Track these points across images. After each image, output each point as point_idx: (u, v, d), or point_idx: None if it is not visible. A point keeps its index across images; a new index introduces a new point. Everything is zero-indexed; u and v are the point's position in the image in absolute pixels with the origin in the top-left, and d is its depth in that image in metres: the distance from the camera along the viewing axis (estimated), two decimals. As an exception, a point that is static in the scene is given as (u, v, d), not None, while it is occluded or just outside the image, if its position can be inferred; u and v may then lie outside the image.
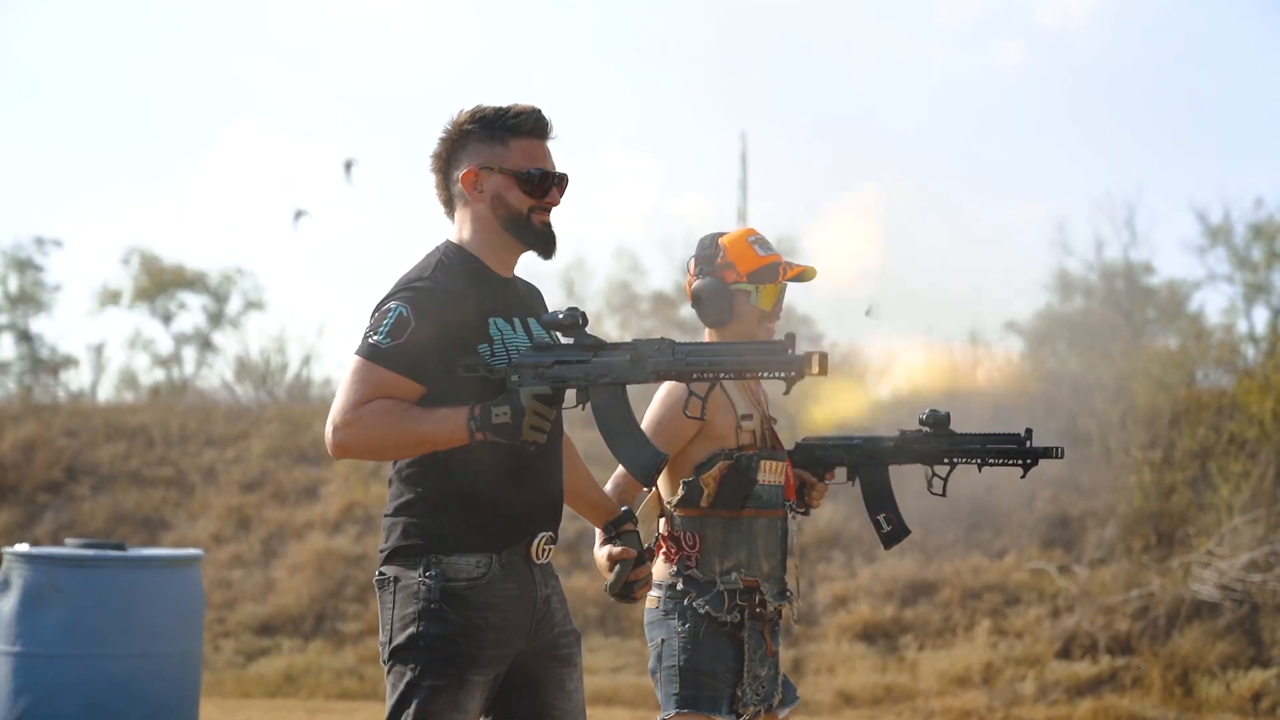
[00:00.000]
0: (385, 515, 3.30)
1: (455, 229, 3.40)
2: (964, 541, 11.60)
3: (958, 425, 4.39)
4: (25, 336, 25.90)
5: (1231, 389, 12.09)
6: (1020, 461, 4.24)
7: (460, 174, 3.35)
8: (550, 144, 3.40)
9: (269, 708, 10.39)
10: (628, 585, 3.48)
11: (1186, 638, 9.94)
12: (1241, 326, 24.83)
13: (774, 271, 4.14)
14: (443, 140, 3.37)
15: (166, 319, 27.70)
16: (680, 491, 4.06)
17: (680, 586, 4.03)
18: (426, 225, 34.43)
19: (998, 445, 4.26)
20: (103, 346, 19.12)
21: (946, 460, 4.30)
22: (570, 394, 3.24)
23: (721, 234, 4.20)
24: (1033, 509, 11.66)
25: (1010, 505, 11.70)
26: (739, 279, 4.13)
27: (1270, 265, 27.04)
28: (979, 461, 4.28)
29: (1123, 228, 27.76)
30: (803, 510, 4.30)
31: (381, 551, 3.28)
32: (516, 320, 3.34)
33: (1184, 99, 33.96)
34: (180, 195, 34.32)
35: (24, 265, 26.54)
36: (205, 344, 27.74)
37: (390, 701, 3.20)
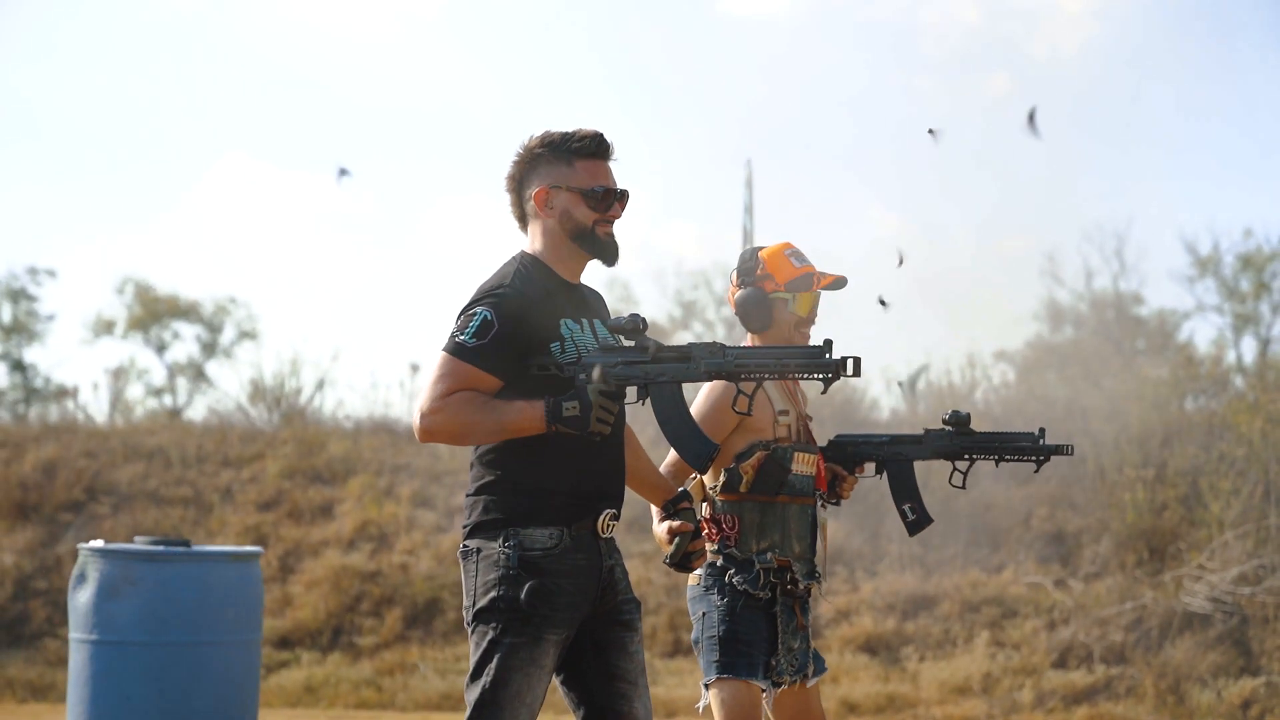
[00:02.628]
0: (467, 495, 3.69)
1: (529, 241, 3.80)
2: (963, 557, 11.96)
3: None
4: (19, 366, 26.08)
5: (1221, 409, 12.49)
6: (1034, 458, 4.61)
7: (532, 193, 3.75)
8: (611, 164, 3.80)
9: (291, 716, 10.72)
10: (687, 556, 3.87)
11: (1178, 648, 10.28)
12: (1230, 357, 25.18)
13: (809, 281, 4.55)
14: (515, 163, 3.78)
15: (160, 349, 27.87)
16: (721, 478, 4.46)
17: (720, 564, 4.43)
18: (421, 249, 34.74)
19: (1014, 443, 4.63)
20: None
21: (967, 456, 4.67)
22: (631, 391, 3.65)
23: (761, 247, 4.61)
24: (1030, 526, 12.03)
25: (1008, 522, 12.06)
26: (777, 288, 4.54)
27: (1259, 296, 27.39)
28: (996, 457, 4.65)
29: (1112, 258, 28.14)
30: (835, 500, 4.69)
31: (465, 527, 3.68)
32: (584, 321, 3.74)
33: (1173, 129, 34.42)
34: (173, 225, 34.59)
35: (17, 295, 26.69)
36: (199, 374, 27.94)
37: (474, 658, 3.59)
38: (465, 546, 3.67)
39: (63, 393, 22.82)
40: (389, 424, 15.70)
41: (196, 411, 25.29)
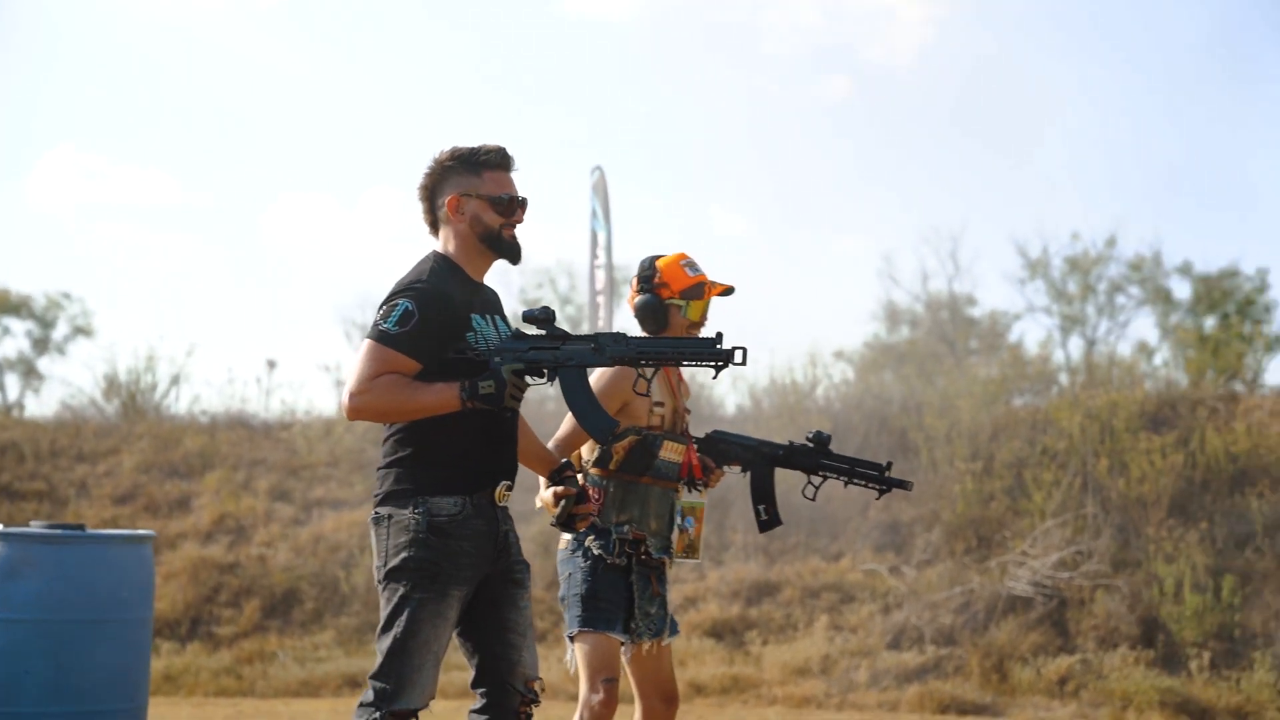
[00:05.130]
0: (379, 468, 4.14)
1: (441, 243, 4.27)
2: (804, 546, 12.57)
3: (799, 439, 5.35)
4: None
5: (1045, 406, 13.26)
6: (878, 486, 5.18)
7: (445, 200, 4.20)
8: (513, 174, 4.27)
9: (155, 704, 10.93)
10: (571, 517, 4.33)
11: (1002, 629, 10.93)
12: (1058, 357, 26.22)
13: (701, 290, 5.07)
14: (427, 174, 4.24)
15: (-11, 343, 27.44)
16: (595, 453, 4.97)
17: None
18: (263, 245, 34.68)
19: (863, 470, 5.20)
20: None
21: (821, 473, 5.21)
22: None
23: (659, 257, 5.10)
24: (866, 516, 12.66)
25: (846, 513, 12.69)
26: (672, 296, 5.04)
27: (1085, 298, 28.54)
28: (846, 480, 5.19)
29: (947, 260, 29.09)
30: (701, 485, 5.19)
31: (376, 496, 4.13)
32: (489, 316, 4.21)
33: (1005, 135, 35.62)
34: (1, 218, 34.07)
35: None
36: (30, 370, 27.59)
37: (385, 612, 4.03)
38: (377, 513, 4.11)
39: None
40: (245, 419, 15.90)
41: (43, 406, 25.01)
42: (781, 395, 14.25)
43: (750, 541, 12.61)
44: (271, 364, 16.60)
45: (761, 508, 5.26)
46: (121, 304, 31.19)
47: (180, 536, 13.60)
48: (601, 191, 13.22)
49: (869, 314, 29.06)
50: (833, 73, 36.71)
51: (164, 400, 16.26)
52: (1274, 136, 33.51)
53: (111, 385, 16.12)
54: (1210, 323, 25.27)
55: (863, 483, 5.19)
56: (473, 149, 4.22)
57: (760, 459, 5.24)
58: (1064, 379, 16.33)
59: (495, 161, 4.22)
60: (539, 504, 4.68)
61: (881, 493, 5.19)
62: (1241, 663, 10.42)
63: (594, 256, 13.38)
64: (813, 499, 5.28)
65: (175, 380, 16.26)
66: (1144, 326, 28.82)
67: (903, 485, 5.19)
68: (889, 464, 5.24)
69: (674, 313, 5.05)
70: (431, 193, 4.24)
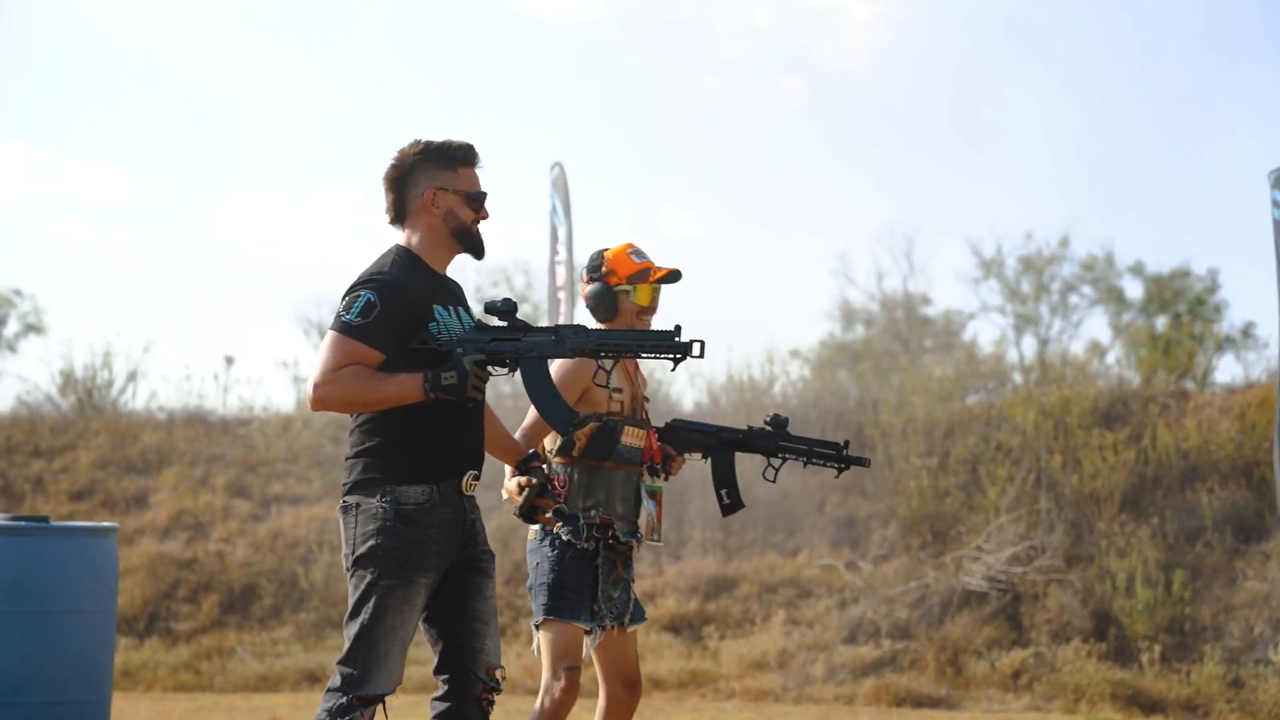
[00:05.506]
0: (347, 458, 4.19)
1: (405, 236, 4.31)
2: (761, 542, 12.67)
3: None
4: None
5: (999, 403, 13.40)
6: (837, 465, 5.27)
7: (419, 192, 4.25)
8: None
9: (114, 699, 10.91)
10: (533, 508, 4.39)
11: (957, 623, 11.06)
12: (1012, 356, 26.41)
13: (646, 274, 5.16)
14: (395, 166, 4.28)
15: (-63, 341, 27.25)
16: (558, 442, 5.05)
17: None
18: (218, 243, 34.53)
19: (821, 450, 5.30)
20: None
21: (780, 455, 5.30)
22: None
23: (607, 248, 5.22)
24: (823, 512, 12.77)
25: (803, 509, 12.80)
26: (620, 282, 5.14)
27: (1039, 297, 28.76)
28: (805, 460, 5.29)
29: (902, 259, 29.25)
30: (662, 471, 5.28)
31: (344, 485, 4.18)
32: (451, 308, 4.27)
33: (959, 135, 35.85)
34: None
35: None
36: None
37: (353, 599, 4.09)
38: (345, 502, 4.16)
39: None
40: (203, 414, 15.87)
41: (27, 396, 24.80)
42: (739, 392, 14.34)
43: (708, 537, 12.70)
44: (229, 360, 16.58)
45: (723, 492, 5.34)
46: (75, 301, 30.98)
47: (138, 532, 13.59)
48: (562, 188, 13.28)
49: (824, 313, 29.23)
50: (786, 73, 36.88)
51: (121, 396, 16.22)
52: (1225, 138, 33.86)
53: (68, 381, 16.07)
54: (1162, 322, 25.49)
55: (821, 462, 5.28)
56: (444, 144, 4.28)
57: (720, 444, 5.33)
58: (1018, 377, 16.46)
59: (469, 158, 4.29)
60: (504, 495, 4.74)
61: (840, 471, 5.28)
62: (1191, 656, 10.57)
63: (554, 253, 13.45)
64: (773, 480, 5.36)
65: (132, 376, 16.23)
66: (1097, 326, 29.06)
67: (861, 462, 5.29)
68: (846, 442, 5.33)
69: (623, 299, 5.14)
70: (400, 184, 4.28)
